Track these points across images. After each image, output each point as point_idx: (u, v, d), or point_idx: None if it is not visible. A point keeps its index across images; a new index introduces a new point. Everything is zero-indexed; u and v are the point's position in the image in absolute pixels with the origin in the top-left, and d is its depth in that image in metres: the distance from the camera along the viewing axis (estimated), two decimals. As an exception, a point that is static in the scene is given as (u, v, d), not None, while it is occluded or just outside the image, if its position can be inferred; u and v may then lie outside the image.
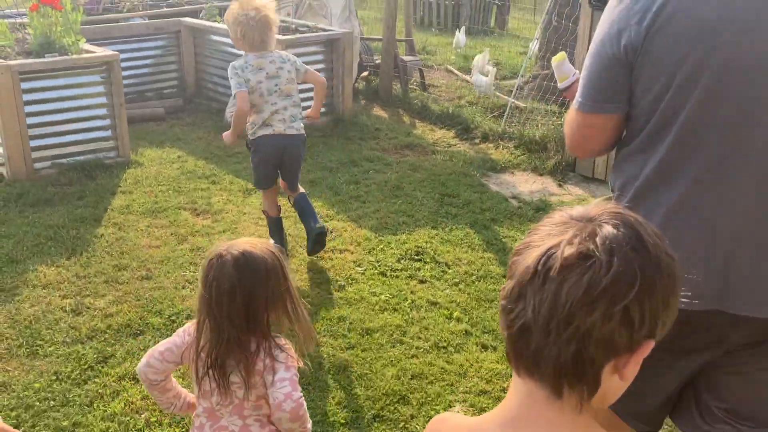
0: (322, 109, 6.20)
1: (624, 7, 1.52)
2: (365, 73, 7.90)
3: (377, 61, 8.02)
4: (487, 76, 7.33)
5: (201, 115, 6.54)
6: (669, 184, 1.55)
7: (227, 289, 1.68)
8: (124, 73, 5.41)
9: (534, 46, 8.91)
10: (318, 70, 6.21)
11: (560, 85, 2.11)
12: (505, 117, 6.54)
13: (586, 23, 5.30)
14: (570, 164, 5.62)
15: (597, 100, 1.59)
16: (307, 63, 6.38)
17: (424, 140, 6.23)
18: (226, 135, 3.76)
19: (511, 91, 8.14)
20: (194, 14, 7.13)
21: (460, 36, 11.06)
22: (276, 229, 3.94)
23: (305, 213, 3.81)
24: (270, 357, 1.74)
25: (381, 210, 4.60)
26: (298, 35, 6.11)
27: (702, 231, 1.52)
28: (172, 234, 4.14)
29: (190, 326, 1.84)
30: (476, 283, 3.75)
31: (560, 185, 5.40)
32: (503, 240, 4.27)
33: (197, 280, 3.22)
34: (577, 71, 1.95)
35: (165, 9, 7.28)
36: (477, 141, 6.27)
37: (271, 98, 3.65)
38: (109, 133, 5.12)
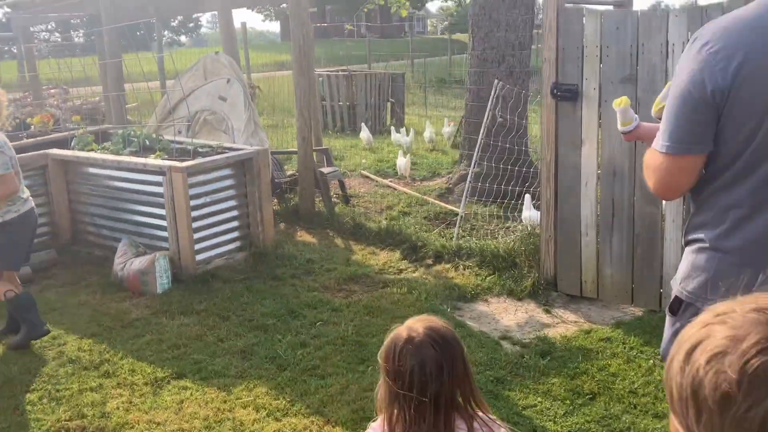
0: (238, 243, 5.05)
1: (705, 55, 1.61)
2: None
3: (290, 177, 6.97)
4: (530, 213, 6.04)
5: (81, 269, 5.14)
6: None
7: (433, 371, 1.59)
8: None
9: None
10: (229, 198, 5.05)
11: (623, 129, 2.18)
12: (457, 229, 5.59)
13: (550, 117, 4.51)
14: (550, 281, 4.69)
15: (685, 141, 1.69)
16: (215, 190, 5.25)
17: (369, 268, 5.13)
18: None
19: (443, 193, 7.32)
20: (62, 143, 5.81)
21: (364, 134, 10.53)
22: (34, 305, 3.90)
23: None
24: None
25: (350, 387, 3.39)
26: (200, 159, 4.95)
27: None
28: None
29: (377, 429, 1.69)
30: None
31: (547, 311, 4.43)
32: (526, 414, 3.17)
33: None
34: (638, 117, 2.18)
35: (25, 140, 5.91)
36: (430, 262, 5.25)
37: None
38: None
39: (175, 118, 6.79)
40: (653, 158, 1.77)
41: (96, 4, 7.59)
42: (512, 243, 5.12)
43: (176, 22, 50.76)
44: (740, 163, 1.67)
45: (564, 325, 4.23)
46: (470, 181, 5.51)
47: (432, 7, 65.77)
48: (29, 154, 5.43)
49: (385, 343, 1.66)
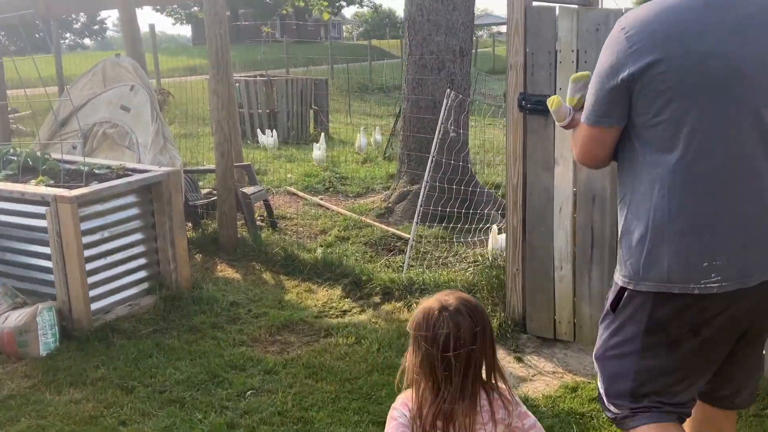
0: (145, 286, 4.18)
1: (621, 39, 1.78)
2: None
3: (207, 198, 6.07)
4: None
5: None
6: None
7: (467, 337, 1.68)
8: None
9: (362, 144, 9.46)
10: (133, 231, 4.15)
11: (561, 124, 2.19)
12: (407, 260, 4.87)
13: (517, 132, 3.87)
14: (518, 322, 4.05)
15: (598, 114, 1.87)
16: (115, 222, 4.31)
17: (306, 311, 4.34)
18: None
19: (382, 213, 6.61)
20: None
21: (266, 139, 10.54)
22: None
23: None
24: (509, 402, 1.77)
25: (297, 491, 2.60)
26: (95, 186, 4.01)
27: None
28: None
29: (406, 401, 1.78)
30: None
31: (519, 359, 3.77)
32: None
33: None
34: (570, 108, 2.17)
35: None
36: (378, 300, 4.51)
37: None
38: None
39: (66, 133, 5.76)
40: (578, 129, 2.01)
41: (-30, -3, 6.44)
42: (471, 276, 4.46)
43: (79, 24, 48.00)
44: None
45: (542, 378, 3.58)
46: (421, 205, 4.80)
47: (347, 12, 65.12)
48: None
49: (416, 315, 1.74)
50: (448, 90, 4.69)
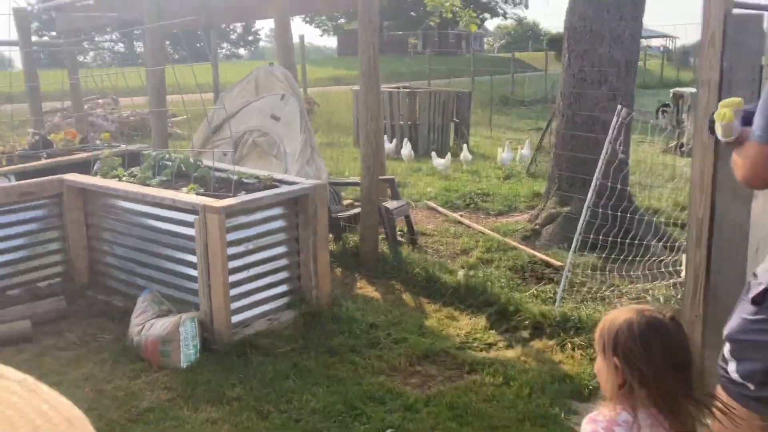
0: (285, 300, 4.06)
1: None
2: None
3: (348, 209, 5.94)
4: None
5: (94, 323, 4.18)
6: None
7: (681, 353, 1.57)
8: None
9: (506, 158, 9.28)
10: (277, 243, 4.05)
11: (724, 140, 2.11)
12: (560, 293, 4.43)
13: (707, 158, 3.35)
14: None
15: None
16: (260, 234, 4.23)
17: (448, 340, 4.03)
18: None
19: (528, 236, 6.18)
20: (84, 166, 4.91)
21: (405, 151, 10.24)
22: None
23: None
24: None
25: None
26: (243, 197, 3.94)
27: None
28: None
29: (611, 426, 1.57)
30: None
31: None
32: None
33: None
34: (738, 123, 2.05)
35: (44, 161, 5.04)
36: (527, 336, 4.12)
37: None
38: None
39: (219, 139, 5.85)
40: (747, 146, 1.89)
41: (139, 9, 6.76)
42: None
43: (235, 34, 50.93)
44: None
45: None
46: (581, 232, 4.35)
47: (489, 25, 64.35)
48: (42, 179, 4.54)
49: (612, 327, 1.60)
50: (619, 107, 4.22)
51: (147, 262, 4.28)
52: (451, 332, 4.17)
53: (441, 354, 3.85)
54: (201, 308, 3.83)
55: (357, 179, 6.10)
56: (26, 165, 4.89)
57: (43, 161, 5.03)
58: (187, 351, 3.63)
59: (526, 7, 50.14)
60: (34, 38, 12.11)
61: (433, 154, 9.80)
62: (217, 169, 4.52)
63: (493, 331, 4.18)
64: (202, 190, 4.10)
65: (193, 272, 3.91)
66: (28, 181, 4.49)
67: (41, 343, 3.93)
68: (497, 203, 7.61)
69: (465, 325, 4.27)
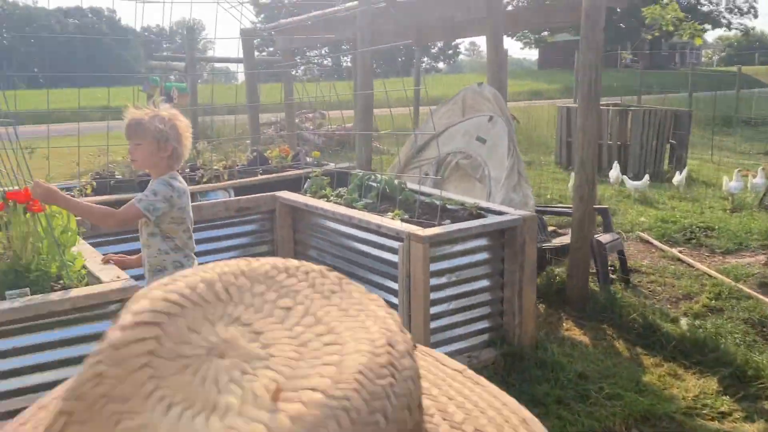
0: (485, 337, 3.82)
1: None
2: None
3: (556, 242, 5.54)
4: None
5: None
6: None
7: None
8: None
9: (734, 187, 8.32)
10: (481, 277, 3.80)
11: None
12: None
13: None
14: None
15: None
16: (463, 265, 4.02)
17: (672, 403, 3.51)
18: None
19: (766, 282, 5.34)
20: (295, 183, 5.05)
21: (613, 173, 9.39)
22: None
23: None
24: None
25: None
26: (449, 226, 3.74)
27: None
28: None
29: None
30: None
31: None
32: None
33: None
34: None
35: (260, 177, 5.27)
36: (771, 408, 3.48)
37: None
38: None
39: (422, 159, 5.76)
40: None
41: (353, 28, 6.93)
42: None
43: (436, 48, 51.89)
44: None
45: None
46: None
47: (708, 36, 59.22)
48: (258, 195, 4.72)
49: None
50: None
51: (348, 284, 4.25)
52: (675, 393, 3.63)
53: (664, 419, 3.36)
54: (399, 339, 3.69)
55: (566, 207, 5.69)
56: (243, 180, 5.13)
57: (259, 177, 5.25)
58: (384, 383, 3.51)
59: (756, 16, 45.28)
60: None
61: (626, 176, 9.14)
62: (421, 193, 4.39)
63: (727, 398, 3.58)
64: (406, 216, 3.98)
65: (394, 299, 3.79)
66: (246, 197, 4.69)
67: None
68: (724, 240, 6.73)
69: (692, 387, 3.71)
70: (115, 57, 54.34)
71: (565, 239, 5.44)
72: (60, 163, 9.07)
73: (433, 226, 3.71)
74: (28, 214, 2.67)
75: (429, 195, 4.40)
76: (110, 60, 52.38)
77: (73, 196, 3.08)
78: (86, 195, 4.53)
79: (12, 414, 2.57)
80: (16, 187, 2.92)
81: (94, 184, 4.67)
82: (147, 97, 12.09)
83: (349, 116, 14.46)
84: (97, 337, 2.70)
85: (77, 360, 2.68)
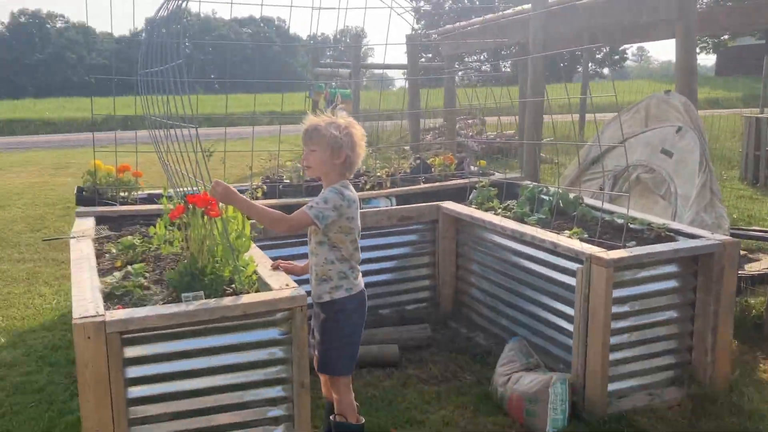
0: (670, 374, 3.39)
1: None
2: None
3: (753, 269, 4.91)
4: None
5: (456, 359, 4.03)
6: None
7: None
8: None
9: None
10: (668, 307, 3.40)
11: None
12: None
13: None
14: None
15: None
16: (648, 293, 3.56)
17: None
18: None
19: None
20: (460, 193, 4.86)
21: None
22: None
23: None
24: None
25: None
26: (636, 249, 3.36)
27: None
28: None
29: None
30: None
31: None
32: None
33: None
34: None
35: (422, 185, 5.13)
36: None
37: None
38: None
39: (597, 172, 5.34)
40: None
41: (525, 32, 6.63)
42: None
43: (601, 53, 49.62)
44: None
45: None
46: None
47: None
48: (421, 205, 4.59)
49: None
50: None
51: (515, 303, 3.99)
52: None
53: None
54: (573, 368, 3.38)
55: (764, 230, 5.03)
56: (406, 188, 5.02)
57: (422, 185, 5.12)
58: (555, 416, 3.21)
59: None
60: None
61: None
62: (600, 209, 4.03)
63: None
64: (585, 235, 3.65)
65: (568, 326, 3.48)
66: (409, 206, 4.57)
67: (405, 371, 3.90)
68: None
69: None
70: (282, 64, 57.49)
71: (763, 265, 4.81)
72: (232, 164, 9.55)
73: (617, 247, 3.35)
74: (205, 218, 2.69)
75: (610, 212, 4.03)
76: (278, 67, 55.48)
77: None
78: (256, 198, 4.63)
79: (181, 415, 2.59)
80: (197, 189, 2.97)
81: (265, 187, 4.76)
82: (312, 103, 12.47)
83: (506, 123, 14.06)
84: (262, 344, 2.67)
85: (244, 366, 2.66)
